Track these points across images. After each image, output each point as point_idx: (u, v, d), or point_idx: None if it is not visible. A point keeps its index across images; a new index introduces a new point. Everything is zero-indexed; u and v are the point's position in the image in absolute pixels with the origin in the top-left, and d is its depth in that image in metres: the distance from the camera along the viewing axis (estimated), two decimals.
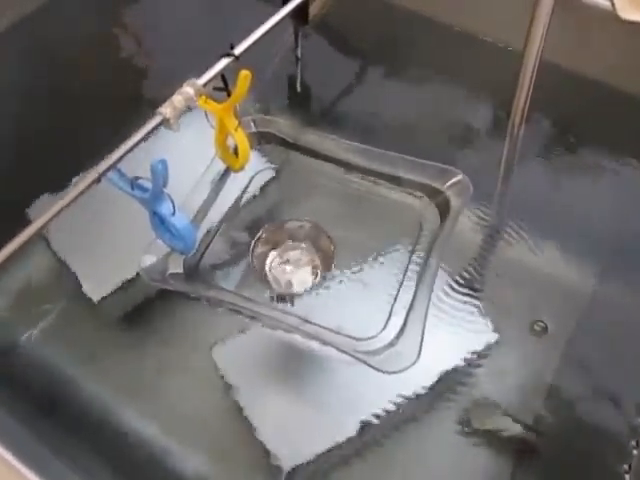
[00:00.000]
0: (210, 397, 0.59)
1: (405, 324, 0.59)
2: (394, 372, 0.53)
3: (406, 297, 0.62)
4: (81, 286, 0.65)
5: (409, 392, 0.57)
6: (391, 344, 0.58)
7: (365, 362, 0.55)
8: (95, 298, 0.64)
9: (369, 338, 0.59)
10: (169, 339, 0.63)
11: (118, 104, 0.81)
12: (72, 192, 0.50)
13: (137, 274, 0.64)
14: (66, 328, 0.63)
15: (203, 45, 0.65)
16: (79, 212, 0.65)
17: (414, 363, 0.53)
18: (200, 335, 0.62)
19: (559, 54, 0.75)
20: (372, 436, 0.56)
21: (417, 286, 0.62)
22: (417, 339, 0.56)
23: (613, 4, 0.70)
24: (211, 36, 0.85)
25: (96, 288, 0.65)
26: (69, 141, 0.77)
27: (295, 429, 0.56)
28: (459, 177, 0.67)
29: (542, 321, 0.61)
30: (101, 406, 0.58)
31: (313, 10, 0.73)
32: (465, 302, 0.63)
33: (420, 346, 0.55)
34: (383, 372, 0.54)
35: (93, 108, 0.80)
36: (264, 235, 0.68)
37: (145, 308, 0.64)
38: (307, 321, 0.61)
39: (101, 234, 0.68)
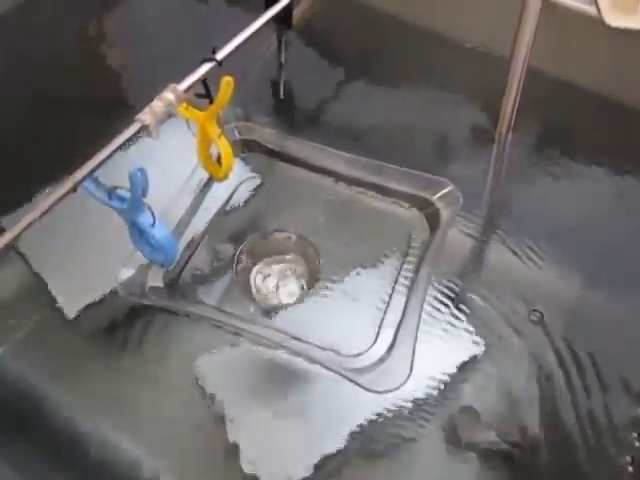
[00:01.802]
0: (192, 414, 0.56)
1: (395, 340, 0.57)
2: (384, 392, 0.51)
3: (396, 312, 0.60)
4: (56, 300, 0.62)
5: (395, 406, 0.55)
6: (381, 361, 0.56)
7: (354, 381, 0.53)
8: (70, 313, 0.61)
9: (358, 355, 0.57)
10: (149, 354, 0.60)
11: (96, 110, 0.78)
12: (46, 202, 0.48)
13: (115, 290, 0.61)
14: (41, 344, 0.61)
15: (185, 51, 0.63)
16: (54, 223, 0.63)
17: (405, 382, 0.52)
18: (182, 350, 0.60)
19: (546, 61, 0.75)
20: (358, 452, 0.54)
21: (407, 300, 0.60)
22: (408, 356, 0.54)
23: (599, 10, 0.70)
24: (193, 42, 0.83)
25: (71, 302, 0.62)
26: (44, 148, 0.74)
27: (279, 447, 0.54)
28: (449, 188, 0.66)
29: (538, 310, 0.60)
30: (78, 424, 0.56)
31: (297, 14, 0.71)
32: (453, 314, 0.61)
33: (412, 364, 0.53)
34: (373, 392, 0.52)
35: (70, 114, 0.78)
36: (248, 247, 0.66)
37: (124, 322, 0.61)
38: (293, 337, 0.59)
39: (77, 246, 0.66)
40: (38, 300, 0.62)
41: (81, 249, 0.66)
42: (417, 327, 0.57)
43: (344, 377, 0.54)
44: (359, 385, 0.52)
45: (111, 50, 0.87)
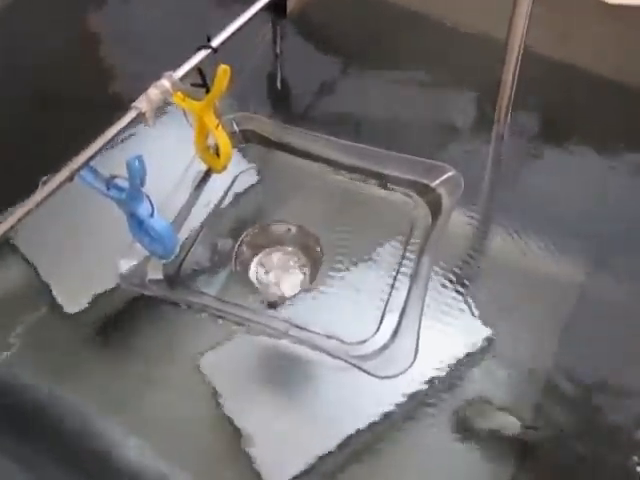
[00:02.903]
0: (197, 410, 0.56)
1: (399, 326, 0.57)
2: (389, 377, 0.51)
3: (399, 298, 0.59)
4: (56, 298, 0.61)
5: (403, 394, 0.54)
6: (385, 347, 0.55)
7: (359, 367, 0.52)
8: (71, 310, 0.61)
9: (361, 342, 0.57)
10: (152, 350, 0.59)
11: (93, 108, 0.78)
12: (44, 191, 0.47)
13: (115, 286, 0.61)
14: (42, 344, 0.60)
15: (181, 47, 0.63)
16: (52, 218, 0.63)
17: (410, 366, 0.51)
18: (185, 345, 0.59)
19: (543, 43, 0.75)
20: (367, 441, 0.53)
21: (410, 287, 0.60)
22: (412, 341, 0.53)
23: None
24: (190, 38, 0.82)
25: (72, 300, 0.61)
26: (41, 147, 0.73)
27: (286, 441, 0.53)
28: (450, 173, 0.65)
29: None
30: (82, 425, 0.55)
31: (291, 4, 0.71)
32: (457, 299, 0.60)
33: (416, 348, 0.52)
34: (378, 377, 0.51)
35: (66, 112, 0.77)
36: (248, 238, 0.66)
37: (125, 319, 0.61)
38: (296, 326, 0.58)
39: (76, 242, 0.65)
40: (38, 298, 0.62)
41: (80, 245, 0.65)
42: (421, 313, 0.56)
43: (349, 363, 0.53)
44: (364, 371, 0.52)
45: (105, 47, 0.87)
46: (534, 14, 0.65)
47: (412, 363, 0.51)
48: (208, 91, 0.58)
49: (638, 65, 0.75)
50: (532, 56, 0.70)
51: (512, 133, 0.74)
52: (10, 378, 0.57)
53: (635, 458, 0.51)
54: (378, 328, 0.58)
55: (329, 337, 0.57)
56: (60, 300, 0.61)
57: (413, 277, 0.61)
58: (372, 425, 0.53)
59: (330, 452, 0.52)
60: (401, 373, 0.51)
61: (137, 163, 0.51)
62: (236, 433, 0.53)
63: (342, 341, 0.57)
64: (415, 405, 0.54)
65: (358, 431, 0.53)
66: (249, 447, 0.52)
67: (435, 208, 0.65)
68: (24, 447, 0.54)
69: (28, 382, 0.57)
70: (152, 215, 0.55)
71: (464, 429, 0.54)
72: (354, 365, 0.53)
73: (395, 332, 0.57)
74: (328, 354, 0.55)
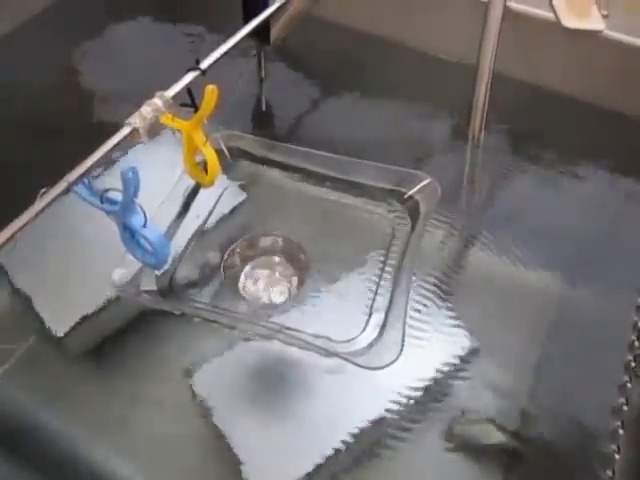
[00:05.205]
0: (189, 428, 0.56)
1: (385, 323, 0.59)
2: (380, 368, 0.53)
3: (383, 300, 0.62)
4: (45, 320, 0.62)
5: (391, 405, 0.56)
6: (372, 343, 0.58)
7: (349, 360, 0.54)
8: (60, 332, 0.61)
9: (350, 340, 0.59)
10: (141, 369, 0.60)
11: (79, 139, 0.79)
12: (41, 203, 0.49)
13: (104, 305, 0.62)
14: (32, 366, 0.60)
15: (167, 80, 0.66)
16: (41, 242, 0.65)
17: (398, 356, 0.53)
18: (174, 363, 0.60)
19: (512, 66, 0.79)
20: (357, 453, 0.54)
21: (393, 288, 0.62)
22: (398, 335, 0.55)
23: (556, 14, 0.75)
24: (176, 72, 0.86)
25: (61, 321, 0.62)
26: (25, 173, 0.73)
27: (279, 457, 0.54)
28: (427, 181, 0.68)
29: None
30: (73, 447, 0.55)
31: (274, 33, 0.75)
32: (440, 309, 0.62)
33: (402, 341, 0.54)
34: (369, 369, 0.53)
35: (55, 140, 0.79)
36: (237, 250, 0.68)
37: (114, 338, 0.62)
38: (287, 328, 0.60)
39: (63, 261, 0.66)
40: (27, 321, 0.62)
41: (66, 264, 0.66)
42: (405, 310, 0.58)
43: (340, 357, 0.55)
44: (355, 363, 0.54)
45: (91, 80, 0.89)
46: (502, 41, 0.69)
47: (399, 354, 0.53)
48: (197, 111, 0.60)
49: (598, 84, 0.80)
50: (503, 80, 0.74)
51: (486, 149, 0.78)
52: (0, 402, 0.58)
53: (609, 472, 0.52)
54: (365, 327, 0.60)
55: (319, 336, 0.59)
56: (48, 321, 0.62)
57: (396, 279, 0.63)
58: (362, 436, 0.54)
59: (322, 462, 0.53)
60: (390, 364, 0.53)
61: (131, 174, 0.53)
62: (229, 449, 0.54)
63: (330, 339, 0.59)
64: (402, 415, 0.55)
65: (348, 441, 0.54)
66: (242, 464, 0.53)
67: (413, 214, 0.68)
68: (12, 468, 0.54)
69: (15, 404, 0.57)
70: (144, 225, 0.56)
71: (450, 439, 0.55)
72: (346, 359, 0.55)
73: (381, 329, 0.59)
74: (319, 350, 0.57)
